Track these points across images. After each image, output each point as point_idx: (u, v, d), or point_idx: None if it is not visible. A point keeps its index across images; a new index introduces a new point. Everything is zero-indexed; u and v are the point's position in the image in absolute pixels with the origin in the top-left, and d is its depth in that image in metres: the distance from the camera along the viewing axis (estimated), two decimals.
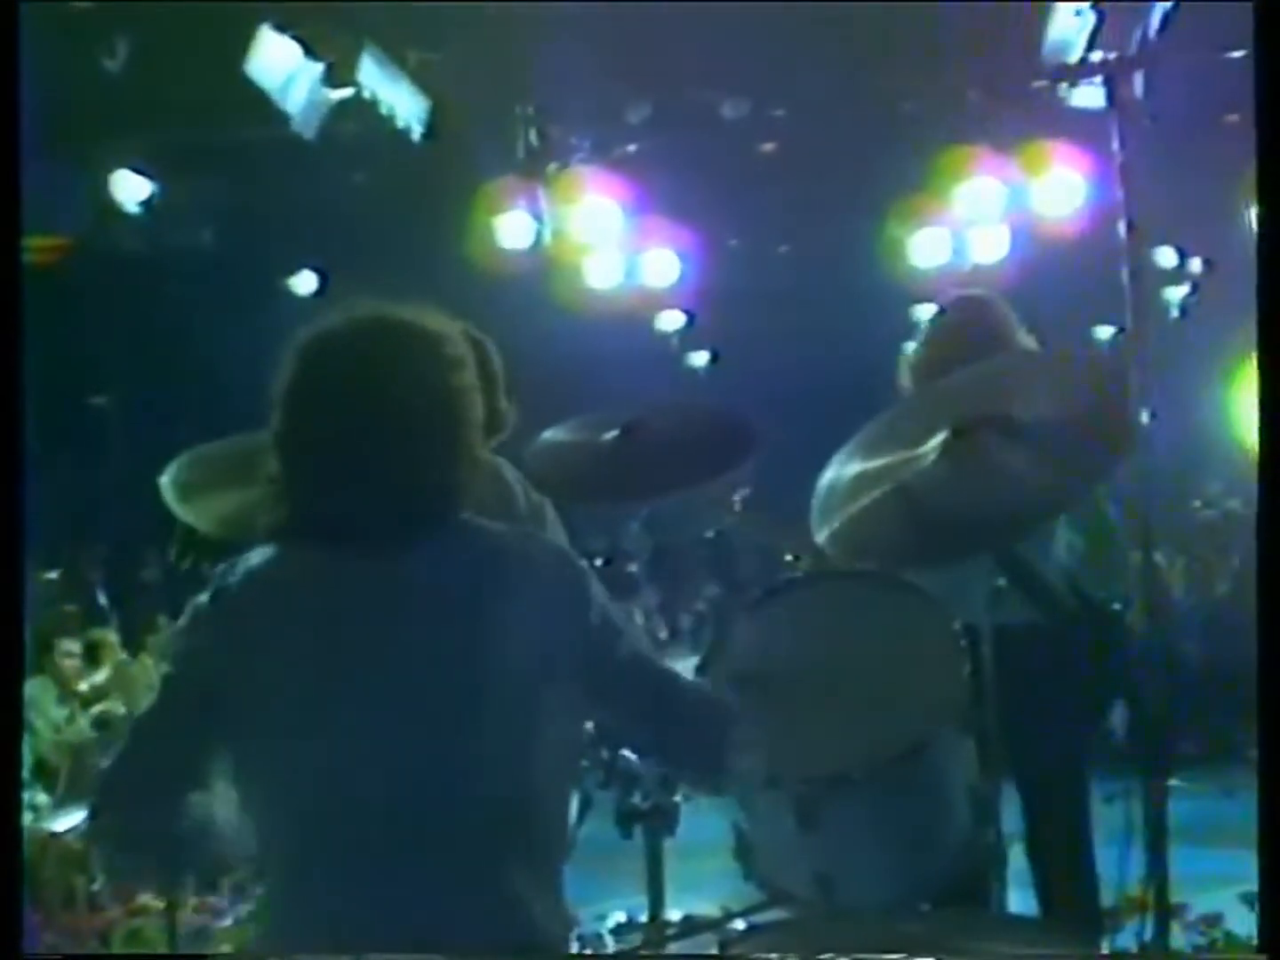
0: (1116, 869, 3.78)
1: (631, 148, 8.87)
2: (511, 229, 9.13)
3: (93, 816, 2.54)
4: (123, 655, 8.37)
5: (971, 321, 4.12)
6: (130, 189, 8.55)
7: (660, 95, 8.31)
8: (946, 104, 8.31)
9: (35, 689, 7.50)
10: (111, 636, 8.65)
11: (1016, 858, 3.66)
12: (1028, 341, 4.15)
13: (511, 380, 3.82)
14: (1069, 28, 6.59)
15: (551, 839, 2.52)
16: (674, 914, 3.79)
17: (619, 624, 2.55)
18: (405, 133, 7.49)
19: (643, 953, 3.75)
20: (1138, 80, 6.08)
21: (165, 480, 3.95)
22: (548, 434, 4.08)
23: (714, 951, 3.29)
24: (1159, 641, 3.64)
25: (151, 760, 2.47)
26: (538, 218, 9.14)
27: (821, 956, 2.66)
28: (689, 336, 12.30)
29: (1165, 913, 3.60)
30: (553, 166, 8.97)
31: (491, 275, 9.16)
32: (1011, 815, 3.59)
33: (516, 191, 8.99)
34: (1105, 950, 3.76)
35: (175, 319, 10.53)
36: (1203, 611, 10.11)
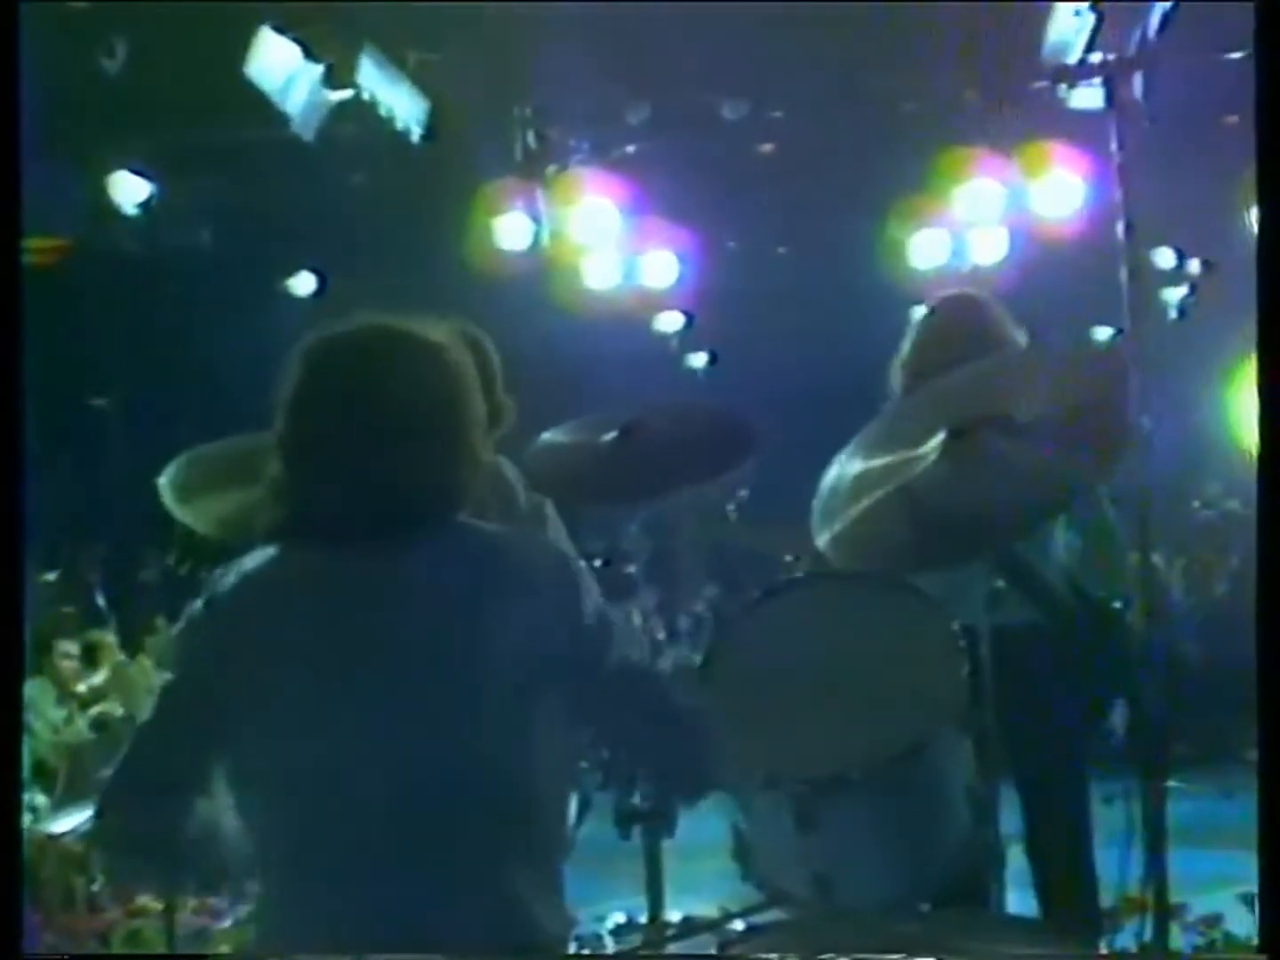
0: (1116, 869, 3.78)
1: (630, 149, 8.86)
2: (510, 230, 9.10)
3: (96, 820, 2.55)
4: (121, 657, 8.34)
5: (962, 321, 4.11)
6: (129, 190, 8.54)
7: (659, 96, 8.30)
8: (946, 105, 8.30)
9: (34, 690, 7.47)
10: (110, 638, 8.62)
11: (1016, 858, 3.66)
12: (1022, 340, 4.14)
13: (510, 376, 3.83)
14: (1068, 28, 6.58)
15: (551, 839, 2.53)
16: (673, 915, 3.80)
17: (612, 629, 2.55)
18: (404, 134, 7.49)
19: (642, 953, 3.76)
20: (1137, 81, 6.09)
21: (164, 481, 3.95)
22: (547, 435, 4.08)
23: (713, 952, 3.30)
24: (1158, 641, 3.65)
25: (154, 764, 2.49)
26: (536, 219, 9.13)
27: (821, 957, 2.66)
28: (688, 337, 12.27)
29: (1165, 913, 3.61)
30: (551, 168, 8.97)
31: (490, 276, 9.14)
32: (1011, 815, 3.60)
33: (515, 193, 8.98)
34: (1105, 950, 3.76)
35: (175, 320, 10.51)
36: (1202, 611, 10.09)
